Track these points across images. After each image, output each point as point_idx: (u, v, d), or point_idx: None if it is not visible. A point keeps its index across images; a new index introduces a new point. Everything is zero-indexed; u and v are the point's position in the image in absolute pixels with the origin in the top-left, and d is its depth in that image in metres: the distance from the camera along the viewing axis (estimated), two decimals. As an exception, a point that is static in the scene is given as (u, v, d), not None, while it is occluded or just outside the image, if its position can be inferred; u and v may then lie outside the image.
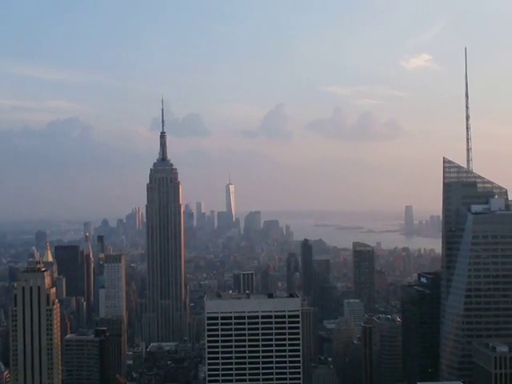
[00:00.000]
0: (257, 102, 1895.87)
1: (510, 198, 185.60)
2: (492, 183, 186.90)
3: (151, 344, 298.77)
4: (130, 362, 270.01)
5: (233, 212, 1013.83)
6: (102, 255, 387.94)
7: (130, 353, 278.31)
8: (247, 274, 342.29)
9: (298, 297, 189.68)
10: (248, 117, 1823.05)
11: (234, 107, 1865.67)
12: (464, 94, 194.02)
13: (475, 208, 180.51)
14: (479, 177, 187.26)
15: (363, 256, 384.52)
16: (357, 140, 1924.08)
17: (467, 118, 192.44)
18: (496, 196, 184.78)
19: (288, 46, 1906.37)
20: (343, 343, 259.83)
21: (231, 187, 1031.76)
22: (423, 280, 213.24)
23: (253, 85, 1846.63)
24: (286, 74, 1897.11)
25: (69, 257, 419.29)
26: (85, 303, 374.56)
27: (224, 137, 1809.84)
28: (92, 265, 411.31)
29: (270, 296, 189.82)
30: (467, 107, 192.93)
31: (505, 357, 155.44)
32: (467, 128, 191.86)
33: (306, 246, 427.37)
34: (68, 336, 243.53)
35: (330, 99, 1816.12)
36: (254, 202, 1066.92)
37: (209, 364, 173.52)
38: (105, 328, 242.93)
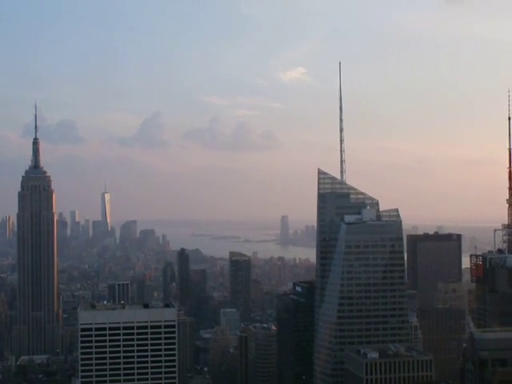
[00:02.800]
0: (134, 110, 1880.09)
1: (380, 209, 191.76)
2: (364, 194, 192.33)
3: (22, 357, 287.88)
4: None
5: (108, 221, 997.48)
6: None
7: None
8: (122, 284, 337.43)
9: (174, 307, 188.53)
10: (124, 125, 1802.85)
11: (110, 115, 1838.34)
12: (338, 107, 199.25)
13: (348, 218, 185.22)
14: (352, 188, 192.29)
15: (240, 265, 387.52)
16: (234, 150, 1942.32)
17: (341, 130, 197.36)
18: (368, 207, 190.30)
19: (167, 55, 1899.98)
20: (219, 352, 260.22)
21: (107, 196, 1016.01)
22: (298, 289, 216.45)
23: (130, 93, 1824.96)
24: (164, 83, 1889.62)
25: None
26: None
27: (100, 144, 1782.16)
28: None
29: (146, 306, 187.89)
30: (341, 120, 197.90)
31: (375, 363, 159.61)
32: (341, 140, 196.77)
33: (182, 255, 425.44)
34: None
35: (207, 109, 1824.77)
36: (130, 211, 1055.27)
37: (82, 377, 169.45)
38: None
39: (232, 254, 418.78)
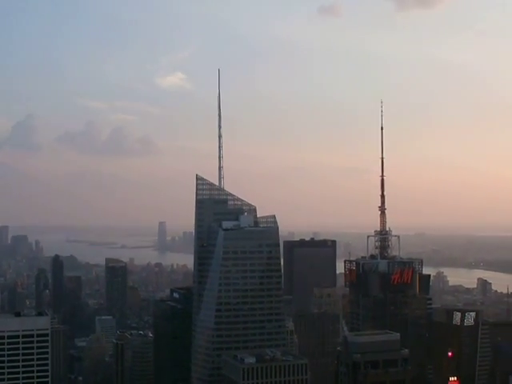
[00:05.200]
0: (5, 112, 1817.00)
1: (258, 215, 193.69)
2: (242, 200, 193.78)
3: None
4: None
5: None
6: None
7: None
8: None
9: (47, 315, 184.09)
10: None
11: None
12: (217, 114, 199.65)
13: (226, 224, 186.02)
14: (230, 194, 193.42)
15: (116, 272, 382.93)
16: (110, 155, 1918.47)
17: (219, 136, 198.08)
18: (246, 213, 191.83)
19: (44, 57, 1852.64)
20: (95, 361, 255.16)
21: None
22: (175, 295, 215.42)
23: (1, 94, 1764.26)
24: (39, 85, 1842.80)
25: None
26: None
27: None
28: None
29: (18, 315, 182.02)
30: (219, 126, 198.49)
31: (252, 368, 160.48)
32: (219, 147, 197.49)
33: (56, 262, 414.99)
34: None
35: (84, 112, 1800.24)
36: (2, 216, 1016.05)
37: None
38: None
39: (108, 260, 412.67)
